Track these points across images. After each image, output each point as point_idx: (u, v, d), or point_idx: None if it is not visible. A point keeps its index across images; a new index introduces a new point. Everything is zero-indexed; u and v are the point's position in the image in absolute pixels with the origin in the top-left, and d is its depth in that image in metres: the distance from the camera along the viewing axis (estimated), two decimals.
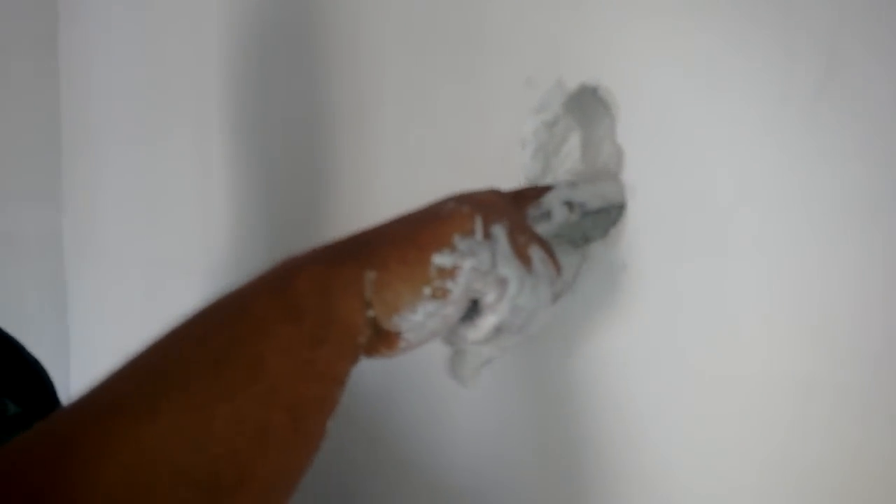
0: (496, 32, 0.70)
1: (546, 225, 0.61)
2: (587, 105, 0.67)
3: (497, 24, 0.70)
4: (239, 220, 1.07)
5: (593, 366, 0.65)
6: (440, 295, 0.52)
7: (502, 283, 0.54)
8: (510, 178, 0.67)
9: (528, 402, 0.72)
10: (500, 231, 0.54)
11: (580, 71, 0.65)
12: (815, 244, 0.53)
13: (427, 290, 0.52)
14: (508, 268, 0.54)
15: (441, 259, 0.52)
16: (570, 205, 0.62)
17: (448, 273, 0.52)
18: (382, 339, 0.53)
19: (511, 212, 0.56)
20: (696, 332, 0.59)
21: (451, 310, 0.53)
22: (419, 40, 0.77)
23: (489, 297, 0.54)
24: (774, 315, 0.55)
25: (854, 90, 0.51)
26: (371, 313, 0.51)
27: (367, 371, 0.54)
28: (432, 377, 0.65)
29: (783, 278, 0.55)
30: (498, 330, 0.55)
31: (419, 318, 0.52)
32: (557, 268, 0.57)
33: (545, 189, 0.62)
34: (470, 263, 0.52)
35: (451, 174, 0.73)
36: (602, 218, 0.64)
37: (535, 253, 0.56)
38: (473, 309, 0.55)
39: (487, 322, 0.55)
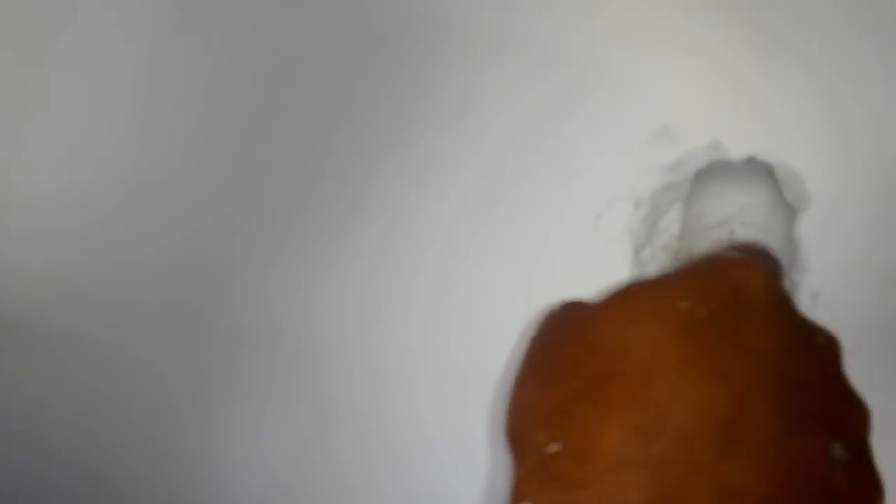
0: (622, 63, 0.55)
1: None
2: (710, 177, 0.55)
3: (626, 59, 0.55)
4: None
5: None
6: None
7: None
8: (603, 245, 0.54)
9: None
10: None
11: (739, 138, 0.52)
12: None
13: None
14: None
15: None
16: None
17: None
18: None
19: None
20: None
21: None
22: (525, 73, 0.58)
23: None
24: None
25: None
26: None
27: None
28: None
29: None
30: None
31: None
32: None
33: None
34: None
35: (528, 232, 0.56)
36: None
37: None
38: None
39: None
